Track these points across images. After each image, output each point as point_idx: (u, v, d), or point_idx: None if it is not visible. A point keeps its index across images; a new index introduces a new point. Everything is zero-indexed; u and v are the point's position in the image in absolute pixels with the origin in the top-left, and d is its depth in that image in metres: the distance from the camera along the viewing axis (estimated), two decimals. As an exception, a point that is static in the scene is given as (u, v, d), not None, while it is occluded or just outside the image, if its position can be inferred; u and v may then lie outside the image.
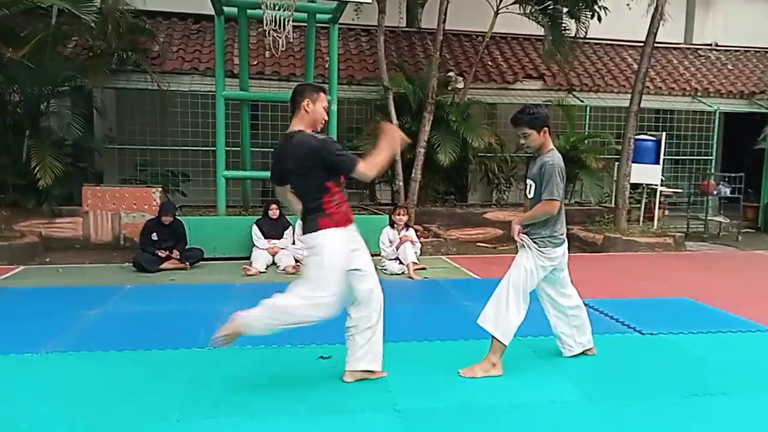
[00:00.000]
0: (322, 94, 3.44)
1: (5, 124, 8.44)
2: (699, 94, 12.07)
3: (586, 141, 10.51)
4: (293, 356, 4.00)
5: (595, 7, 9.80)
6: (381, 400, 3.29)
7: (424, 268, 6.99)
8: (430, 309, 5.43)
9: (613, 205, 9.87)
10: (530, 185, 3.68)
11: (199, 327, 4.51)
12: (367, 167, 3.24)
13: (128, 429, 2.93)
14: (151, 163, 10.37)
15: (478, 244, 9.51)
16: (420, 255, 7.34)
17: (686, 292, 5.96)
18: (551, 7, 9.76)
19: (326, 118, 3.50)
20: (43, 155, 7.81)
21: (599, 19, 10.00)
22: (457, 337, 4.37)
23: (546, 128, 3.63)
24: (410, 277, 6.63)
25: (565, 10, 9.73)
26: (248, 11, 7.51)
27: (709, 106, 11.65)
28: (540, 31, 10.48)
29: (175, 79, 9.96)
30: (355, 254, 3.41)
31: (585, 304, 5.37)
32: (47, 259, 7.55)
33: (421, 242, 7.44)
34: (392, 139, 3.31)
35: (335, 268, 3.28)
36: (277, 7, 6.20)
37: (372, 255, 3.68)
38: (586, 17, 9.92)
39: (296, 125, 3.40)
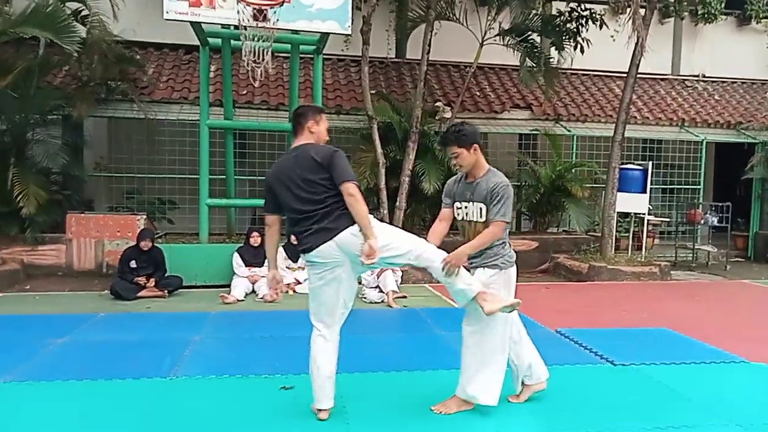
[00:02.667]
0: (323, 115, 3.51)
1: (-10, 152, 8.48)
2: (686, 124, 12.15)
3: (573, 170, 10.54)
4: (256, 386, 3.94)
5: (578, 38, 9.95)
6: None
7: (404, 297, 6.94)
8: (402, 338, 5.37)
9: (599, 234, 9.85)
10: (480, 208, 3.47)
11: (165, 356, 4.48)
12: (357, 191, 3.23)
13: (72, 462, 2.87)
14: (139, 190, 10.39)
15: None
16: (402, 283, 7.30)
17: (667, 322, 5.89)
18: (530, 38, 9.93)
19: (327, 138, 3.51)
20: (27, 183, 7.85)
21: (582, 50, 10.14)
22: (425, 368, 4.31)
23: (476, 145, 3.47)
24: (389, 306, 6.57)
25: (548, 41, 9.91)
26: (232, 42, 7.60)
27: (696, 135, 11.72)
28: (529, 62, 10.62)
29: (165, 108, 10.05)
30: None
31: (560, 333, 5.38)
32: (27, 287, 7.51)
33: (402, 271, 7.40)
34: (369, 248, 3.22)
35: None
36: (256, 38, 6.28)
37: None
38: (568, 48, 10.07)
39: (301, 143, 3.40)
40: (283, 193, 3.33)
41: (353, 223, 3.23)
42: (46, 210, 8.30)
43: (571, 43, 10.04)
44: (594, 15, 10.35)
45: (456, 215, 3.64)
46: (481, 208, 3.47)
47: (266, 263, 7.15)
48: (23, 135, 8.66)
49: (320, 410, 3.36)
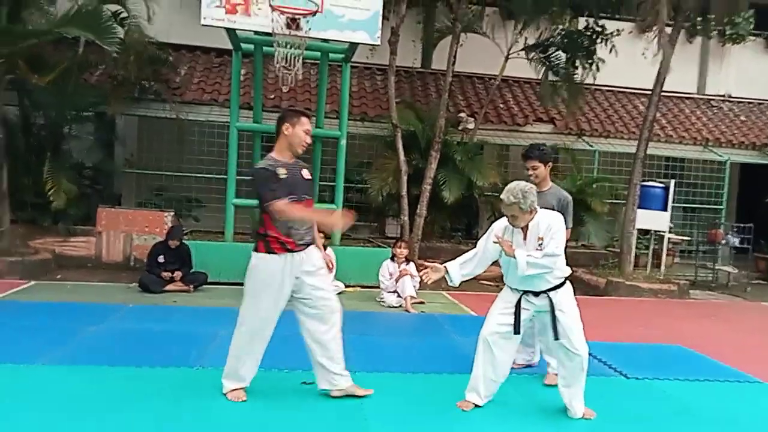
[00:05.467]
0: (303, 119, 3.58)
1: (28, 145, 8.81)
2: (710, 143, 12.14)
3: (593, 185, 10.59)
4: (278, 380, 4.09)
5: (595, 57, 10.07)
6: (354, 428, 3.37)
7: (422, 302, 7.06)
8: (420, 342, 5.48)
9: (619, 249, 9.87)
10: None
11: (191, 347, 4.66)
12: (283, 209, 3.39)
13: (106, 440, 3.04)
14: (167, 188, 10.67)
15: (480, 281, 9.53)
16: (420, 289, 7.42)
17: (682, 339, 5.93)
18: (554, 53, 10.03)
19: (307, 141, 3.61)
20: (59, 178, 8.14)
21: (597, 68, 10.24)
22: (441, 371, 4.43)
23: (551, 163, 4.10)
24: (407, 311, 6.70)
25: (565, 56, 10.02)
26: (264, 48, 7.83)
27: (720, 155, 11.69)
28: (552, 77, 10.73)
29: (195, 109, 10.34)
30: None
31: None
32: (58, 276, 7.78)
33: (421, 277, 7.50)
34: (332, 222, 3.57)
35: None
36: (288, 46, 6.48)
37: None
38: (587, 66, 10.16)
39: (273, 150, 3.60)
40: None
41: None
42: (78, 203, 8.60)
43: (587, 62, 10.13)
44: (606, 34, 10.40)
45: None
46: None
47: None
48: (59, 130, 8.99)
49: None
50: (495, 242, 3.64)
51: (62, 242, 8.56)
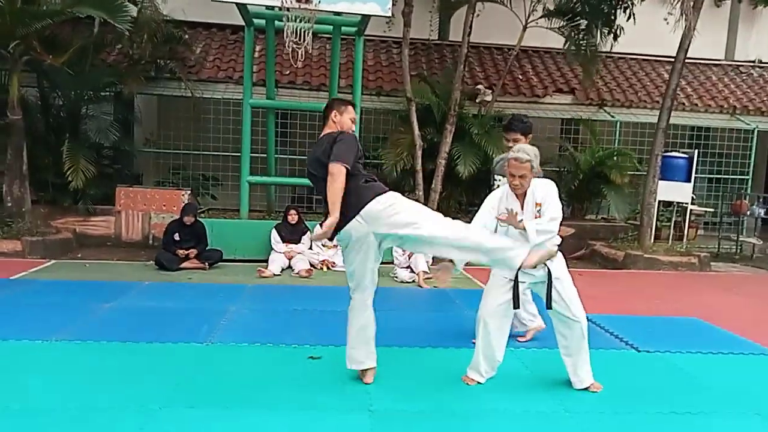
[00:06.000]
0: (350, 107, 3.74)
1: (48, 126, 8.95)
2: (738, 111, 11.75)
3: (614, 157, 10.36)
4: (285, 355, 4.14)
5: (614, 24, 9.78)
6: (358, 401, 3.39)
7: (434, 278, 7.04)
8: (430, 317, 5.48)
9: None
10: None
11: (203, 323, 4.73)
12: (339, 173, 3.32)
13: (110, 414, 3.11)
14: (184, 166, 10.77)
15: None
16: (433, 264, 7.39)
17: (700, 312, 5.82)
18: (576, 20, 9.75)
19: (353, 128, 3.74)
20: (77, 158, 8.26)
21: (615, 37, 9.94)
22: (448, 345, 4.43)
23: (530, 135, 4.12)
24: (419, 286, 6.70)
25: (584, 23, 9.74)
26: (276, 23, 7.77)
27: (747, 124, 11.32)
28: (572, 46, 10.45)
29: (210, 87, 10.36)
30: None
31: (589, 320, 5.39)
32: (79, 255, 7.95)
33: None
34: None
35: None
36: (298, 19, 6.41)
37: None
38: (604, 34, 9.87)
39: (324, 132, 3.69)
40: (311, 179, 3.62)
41: (376, 195, 3.39)
42: (97, 183, 8.73)
43: (605, 29, 9.83)
44: (627, 0, 10.05)
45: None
46: None
47: (303, 239, 7.46)
48: (77, 111, 9.10)
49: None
50: (502, 221, 3.58)
51: (83, 222, 8.73)
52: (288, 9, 6.68)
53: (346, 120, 3.67)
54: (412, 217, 3.41)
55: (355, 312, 3.57)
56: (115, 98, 9.96)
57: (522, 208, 3.60)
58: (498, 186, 4.36)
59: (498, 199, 3.71)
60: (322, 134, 3.66)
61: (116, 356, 3.95)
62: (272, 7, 7.42)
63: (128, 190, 8.88)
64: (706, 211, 11.13)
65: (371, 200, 3.37)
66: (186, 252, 7.04)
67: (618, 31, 9.91)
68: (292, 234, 7.54)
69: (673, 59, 9.09)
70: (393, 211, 3.39)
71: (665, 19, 10.54)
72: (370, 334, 3.59)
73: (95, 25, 9.02)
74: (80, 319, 4.75)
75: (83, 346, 4.13)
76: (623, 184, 10.07)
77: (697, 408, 3.46)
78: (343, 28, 8.05)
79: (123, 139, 9.61)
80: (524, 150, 3.56)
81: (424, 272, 6.86)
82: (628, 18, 9.86)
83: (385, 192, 3.45)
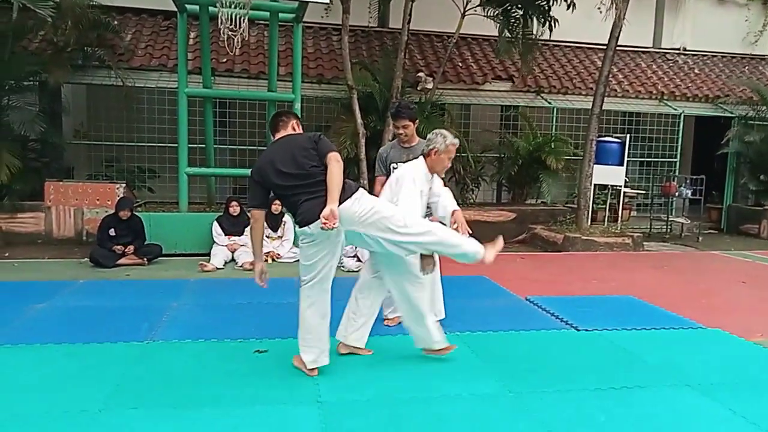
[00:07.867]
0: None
1: (-35, 119, 8.39)
2: (665, 97, 12.29)
3: (552, 143, 10.65)
4: (231, 349, 4.06)
5: (549, 14, 10.02)
6: (306, 393, 3.37)
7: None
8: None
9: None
10: None
11: (143, 321, 4.58)
12: (340, 160, 3.45)
13: (49, 419, 2.97)
14: (118, 159, 10.35)
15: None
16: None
17: (634, 290, 6.09)
18: (509, 9, 9.94)
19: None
20: (0, 152, 7.77)
21: (550, 27, 10.19)
22: (396, 333, 4.46)
23: (417, 120, 4.57)
24: (366, 275, 6.70)
25: (520, 13, 9.93)
26: (210, 9, 7.53)
27: (674, 109, 11.86)
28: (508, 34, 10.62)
29: (143, 76, 9.96)
30: None
31: (529, 301, 5.56)
32: (6, 254, 7.52)
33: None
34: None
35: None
36: (232, 5, 6.24)
37: None
38: (540, 21, 10.11)
39: (286, 134, 3.72)
40: (273, 178, 3.48)
41: (352, 194, 3.45)
42: (24, 178, 8.27)
43: (541, 18, 10.05)
44: None
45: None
46: None
47: (246, 232, 7.32)
48: (-1, 102, 8.56)
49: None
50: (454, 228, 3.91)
51: (9, 219, 8.27)
52: (222, -6, 6.48)
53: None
54: (389, 222, 3.47)
55: (315, 301, 3.61)
56: (40, 88, 9.43)
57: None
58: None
59: (422, 177, 3.95)
60: (284, 135, 3.67)
61: (51, 359, 3.77)
62: (205, -7, 7.21)
63: (58, 184, 8.47)
64: (638, 194, 11.64)
65: (347, 200, 3.41)
66: (123, 248, 6.79)
67: (553, 23, 10.13)
68: (234, 226, 7.40)
69: (604, 47, 9.39)
70: (371, 213, 3.46)
71: (598, 8, 10.89)
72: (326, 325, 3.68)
73: (14, 10, 8.47)
74: (10, 322, 4.50)
75: (14, 349, 3.93)
76: (560, 169, 10.38)
77: (633, 382, 3.62)
78: (281, 15, 7.90)
79: (50, 131, 9.09)
80: (452, 134, 4.00)
81: (370, 260, 6.86)
82: (569, 7, 10.09)
83: (357, 190, 3.52)
